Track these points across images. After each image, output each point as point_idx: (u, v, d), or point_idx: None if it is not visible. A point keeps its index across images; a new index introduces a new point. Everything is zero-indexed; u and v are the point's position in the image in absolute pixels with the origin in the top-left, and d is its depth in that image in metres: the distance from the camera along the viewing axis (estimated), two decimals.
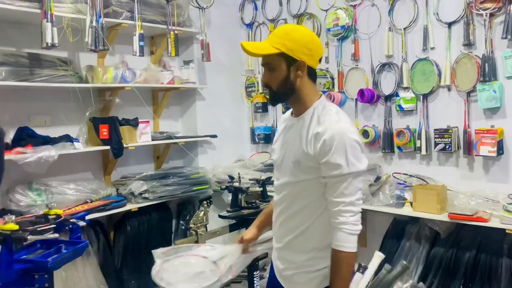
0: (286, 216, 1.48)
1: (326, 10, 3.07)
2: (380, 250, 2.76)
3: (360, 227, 1.36)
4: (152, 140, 3.10)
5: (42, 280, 1.52)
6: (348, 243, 1.34)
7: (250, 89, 3.62)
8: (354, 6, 2.94)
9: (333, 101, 3.00)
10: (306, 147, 1.38)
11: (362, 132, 2.88)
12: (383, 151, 2.85)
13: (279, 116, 3.42)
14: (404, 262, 2.34)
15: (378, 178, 2.80)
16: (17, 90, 2.57)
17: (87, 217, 1.82)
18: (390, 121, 2.83)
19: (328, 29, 3.06)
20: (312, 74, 1.43)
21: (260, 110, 3.54)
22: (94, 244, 2.87)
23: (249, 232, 1.66)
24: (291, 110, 1.53)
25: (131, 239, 3.04)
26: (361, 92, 2.86)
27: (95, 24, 2.57)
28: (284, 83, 1.40)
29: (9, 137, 2.52)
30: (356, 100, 2.95)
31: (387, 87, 2.85)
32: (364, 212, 2.87)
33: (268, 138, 3.47)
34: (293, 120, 1.47)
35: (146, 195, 2.99)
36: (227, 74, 3.59)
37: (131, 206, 2.93)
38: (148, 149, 3.35)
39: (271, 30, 3.43)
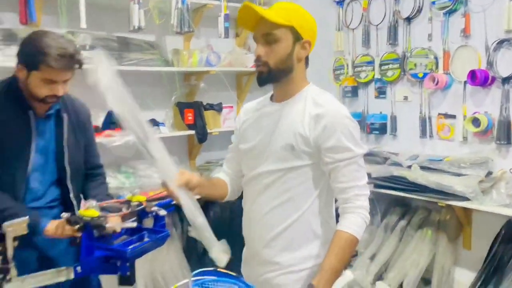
0: (270, 208, 1.34)
1: None
2: (487, 256, 2.43)
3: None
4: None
5: (124, 268, 1.47)
6: (361, 230, 1.27)
7: (338, 72, 3.39)
8: None
9: (436, 84, 2.66)
10: (303, 130, 1.27)
11: (471, 120, 2.51)
12: (498, 142, 2.46)
13: (370, 100, 3.18)
14: None
15: (490, 174, 2.43)
16: None
17: (174, 202, 1.77)
18: (508, 107, 2.42)
19: (433, 2, 2.70)
20: (307, 59, 1.35)
21: (350, 95, 3.29)
22: (178, 228, 2.91)
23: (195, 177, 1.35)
24: (262, 98, 1.44)
25: (213, 225, 3.00)
26: (472, 74, 2.48)
27: (181, 5, 2.56)
28: (285, 60, 1.28)
29: (100, 120, 2.59)
30: (465, 83, 2.57)
31: (505, 67, 2.43)
32: (470, 212, 2.57)
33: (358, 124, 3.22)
34: (275, 106, 1.36)
35: None
36: (313, 56, 3.34)
37: None
38: (232, 135, 3.29)
39: (364, 7, 3.15)
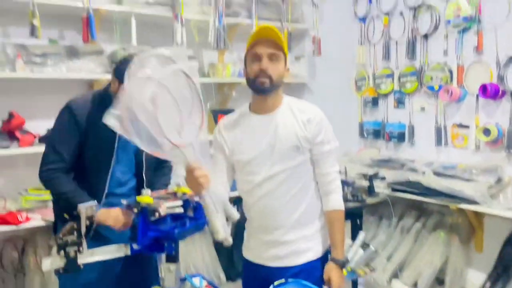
0: (287, 199, 1.62)
1: (446, 1, 2.91)
2: (498, 258, 2.58)
3: None
4: None
5: (170, 247, 1.74)
6: (342, 203, 1.69)
7: (360, 83, 3.58)
8: None
9: (451, 96, 2.85)
10: (303, 132, 1.59)
11: (483, 130, 2.69)
12: (507, 151, 2.63)
13: (390, 110, 3.35)
14: None
15: (499, 180, 2.60)
16: None
17: None
18: None
19: (448, 21, 2.90)
20: None
21: (370, 105, 3.47)
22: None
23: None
24: (236, 114, 1.69)
25: (242, 224, 3.25)
26: (484, 87, 2.66)
27: (217, 24, 2.82)
28: (281, 77, 1.58)
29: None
30: (477, 95, 2.76)
31: None
32: (481, 215, 2.72)
33: (377, 133, 3.41)
34: (264, 117, 1.61)
35: None
36: (337, 68, 3.60)
37: None
38: None
39: (385, 24, 3.35)
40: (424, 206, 2.99)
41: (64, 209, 1.75)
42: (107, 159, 1.80)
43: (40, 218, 2.40)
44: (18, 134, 2.42)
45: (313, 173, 1.67)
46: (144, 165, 1.90)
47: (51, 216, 2.36)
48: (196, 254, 3.06)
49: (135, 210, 1.68)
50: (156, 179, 1.98)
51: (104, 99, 1.78)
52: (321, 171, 1.66)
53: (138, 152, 1.89)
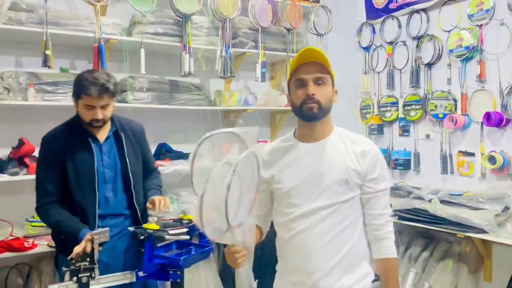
0: (328, 239, 1.42)
1: (449, 31, 2.98)
2: (507, 287, 2.54)
3: None
4: None
5: (175, 275, 1.75)
6: (395, 251, 1.47)
7: (365, 111, 3.63)
8: (480, 26, 2.80)
9: (455, 124, 2.87)
10: (355, 165, 1.42)
11: (488, 158, 2.70)
12: None
13: (395, 138, 3.37)
14: None
15: (506, 208, 2.58)
16: (159, 111, 2.98)
17: None
18: None
19: (451, 50, 2.95)
20: None
21: (376, 132, 3.51)
22: (215, 252, 3.12)
23: None
24: (280, 141, 1.54)
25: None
26: (488, 115, 2.69)
27: (224, 54, 2.89)
28: (330, 101, 1.45)
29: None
30: (482, 123, 2.78)
31: None
32: (489, 244, 2.69)
33: None
34: (311, 145, 1.46)
35: None
36: (342, 97, 3.49)
37: None
38: None
39: (389, 53, 3.42)
40: (431, 235, 2.97)
41: (63, 241, 1.79)
42: (89, 179, 1.83)
43: (46, 244, 2.40)
44: (27, 161, 2.44)
45: (361, 214, 1.47)
46: (132, 180, 1.92)
47: None
48: (200, 282, 3.03)
49: (142, 237, 1.70)
50: (147, 182, 2.03)
51: (74, 125, 1.88)
52: (373, 212, 1.45)
53: (124, 168, 1.92)
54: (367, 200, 1.45)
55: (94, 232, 1.61)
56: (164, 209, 1.81)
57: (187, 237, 1.77)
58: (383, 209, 1.46)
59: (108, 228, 1.65)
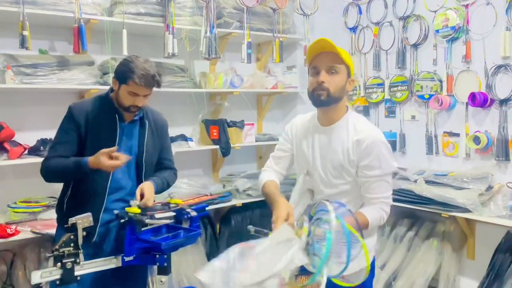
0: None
1: (435, 11, 2.95)
2: (489, 265, 2.59)
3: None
4: (256, 141, 3.29)
5: (162, 259, 1.73)
6: (378, 222, 1.55)
7: (351, 93, 3.59)
8: (466, 6, 2.78)
9: (441, 105, 2.88)
10: (350, 152, 1.53)
11: (472, 138, 2.72)
12: (497, 158, 2.65)
13: (381, 119, 3.36)
14: None
15: (490, 188, 2.62)
16: None
17: (207, 209, 2.10)
18: (506, 127, 2.62)
19: (437, 31, 2.94)
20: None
21: (362, 114, 3.47)
22: (202, 235, 3.13)
23: (287, 207, 1.42)
24: (310, 117, 1.67)
25: (235, 233, 3.25)
26: (473, 96, 2.70)
27: (209, 34, 2.83)
28: (340, 90, 1.53)
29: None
30: (467, 104, 2.79)
31: (502, 90, 2.65)
32: (473, 223, 2.74)
33: None
34: (323, 129, 1.61)
35: (250, 192, 3.19)
36: None
37: (235, 202, 3.13)
38: (252, 150, 3.54)
39: (375, 34, 3.38)
40: (416, 215, 3.00)
41: (67, 211, 1.75)
42: None
43: (30, 230, 2.36)
44: (7, 146, 2.38)
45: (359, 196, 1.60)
46: (143, 168, 1.90)
47: (40, 229, 2.34)
48: (188, 265, 3.03)
49: (122, 220, 1.67)
50: (158, 173, 1.99)
51: (104, 101, 1.86)
52: (366, 195, 1.57)
53: (139, 154, 1.90)
54: (362, 184, 1.56)
55: (77, 216, 1.58)
56: (144, 204, 1.76)
57: (170, 221, 1.75)
58: (377, 194, 1.54)
59: (90, 213, 1.62)
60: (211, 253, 3.13)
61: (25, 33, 2.26)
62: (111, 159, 1.68)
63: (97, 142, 1.78)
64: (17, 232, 2.33)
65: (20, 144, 2.45)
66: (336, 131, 1.58)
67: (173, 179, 2.09)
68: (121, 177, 1.87)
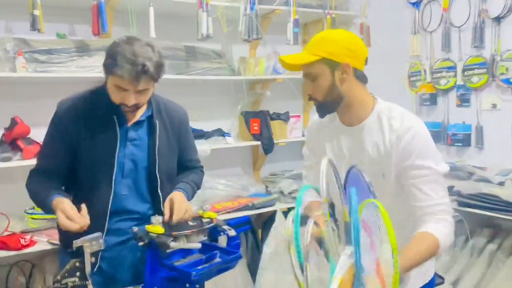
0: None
1: None
2: None
3: None
4: (303, 136, 2.98)
5: None
6: (449, 239, 1.30)
7: (414, 78, 3.20)
8: None
9: None
10: (389, 154, 1.29)
11: None
12: None
13: (451, 109, 2.96)
14: None
15: None
16: (174, 83, 2.60)
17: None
18: None
19: None
20: (360, 76, 1.34)
21: (428, 103, 3.08)
22: (243, 243, 2.84)
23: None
24: (326, 118, 1.42)
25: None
26: None
27: (249, 11, 2.54)
28: (331, 91, 1.32)
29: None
30: None
31: None
32: None
33: (437, 135, 2.99)
34: (348, 129, 1.38)
35: (295, 195, 2.86)
36: (387, 61, 3.20)
37: (280, 206, 2.84)
38: (299, 146, 3.18)
39: (444, 7, 2.94)
40: (499, 224, 2.61)
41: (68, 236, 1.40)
42: (105, 169, 1.44)
43: (46, 241, 2.12)
44: (21, 144, 2.14)
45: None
46: (159, 181, 1.52)
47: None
48: (226, 276, 2.73)
49: (141, 243, 1.33)
50: (181, 175, 1.63)
51: (99, 96, 1.46)
52: (420, 205, 1.26)
53: (150, 165, 1.52)
54: (410, 191, 1.29)
55: (84, 238, 1.24)
56: (182, 218, 1.40)
57: (198, 245, 1.38)
58: (433, 200, 1.25)
59: (100, 233, 1.27)
60: (253, 263, 2.82)
61: (36, 12, 1.95)
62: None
63: (92, 153, 1.42)
64: (32, 242, 2.09)
65: (36, 142, 2.19)
66: (367, 131, 1.35)
67: (201, 178, 1.73)
68: (127, 196, 1.49)
